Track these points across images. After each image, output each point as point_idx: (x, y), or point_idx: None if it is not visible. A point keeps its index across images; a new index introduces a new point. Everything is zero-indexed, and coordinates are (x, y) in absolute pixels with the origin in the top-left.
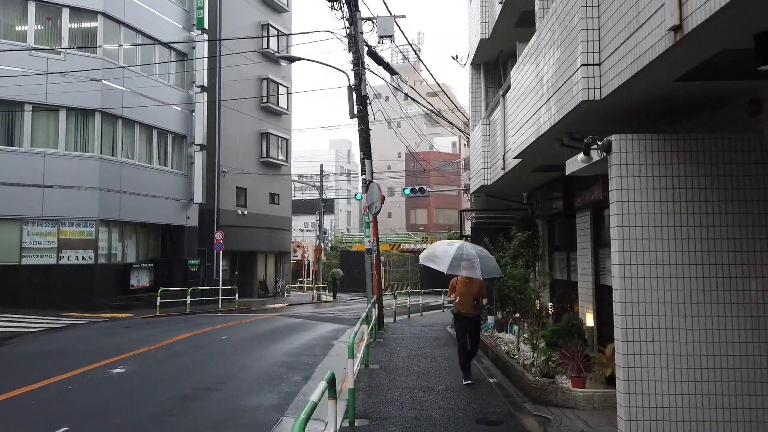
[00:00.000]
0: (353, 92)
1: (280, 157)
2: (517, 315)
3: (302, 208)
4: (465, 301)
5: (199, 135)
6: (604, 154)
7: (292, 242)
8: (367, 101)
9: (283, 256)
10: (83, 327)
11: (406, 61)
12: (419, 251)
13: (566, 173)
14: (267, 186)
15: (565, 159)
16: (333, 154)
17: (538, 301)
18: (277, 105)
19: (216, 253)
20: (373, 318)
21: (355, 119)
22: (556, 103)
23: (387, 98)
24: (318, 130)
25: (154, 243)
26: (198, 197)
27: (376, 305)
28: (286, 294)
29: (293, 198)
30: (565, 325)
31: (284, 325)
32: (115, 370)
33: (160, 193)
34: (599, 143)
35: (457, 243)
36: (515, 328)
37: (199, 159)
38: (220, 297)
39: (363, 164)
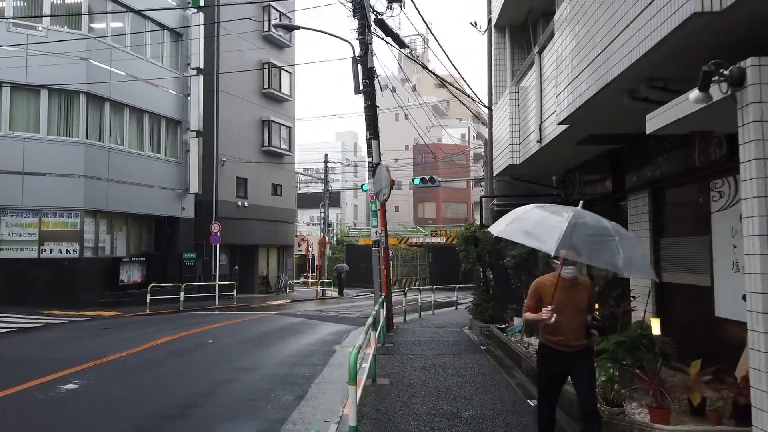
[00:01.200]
0: (358, 64)
1: (283, 146)
2: None
3: (308, 201)
4: (568, 323)
5: (195, 120)
6: (729, 91)
7: (297, 236)
8: (375, 75)
9: (287, 250)
10: (58, 328)
11: (413, 52)
12: (427, 245)
13: (647, 132)
14: (269, 176)
15: (624, 125)
16: (339, 145)
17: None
18: (279, 91)
19: (213, 246)
20: (382, 319)
21: (362, 97)
22: (638, 32)
23: (395, 89)
24: (324, 122)
25: (147, 236)
26: (194, 187)
27: (384, 305)
28: (288, 290)
29: (299, 191)
30: (634, 335)
31: (282, 325)
32: (66, 387)
33: (152, 182)
34: (725, 72)
35: (566, 208)
36: None
37: (195, 146)
38: (217, 293)
39: (369, 145)
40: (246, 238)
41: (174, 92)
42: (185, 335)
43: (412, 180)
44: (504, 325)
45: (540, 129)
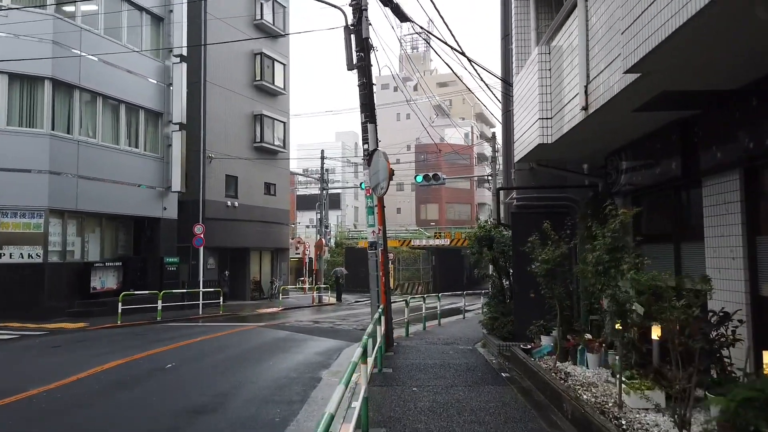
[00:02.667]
0: (351, 35)
1: (277, 143)
2: (590, 337)
3: (307, 203)
4: None
5: (178, 112)
6: None
7: (293, 239)
8: (371, 48)
9: (281, 253)
10: None
11: (415, 50)
12: (431, 248)
13: None
14: (261, 175)
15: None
16: (339, 145)
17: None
18: (273, 83)
19: (198, 249)
20: (379, 338)
21: (356, 74)
22: None
23: (395, 88)
24: (323, 122)
25: (125, 238)
26: (177, 185)
27: (382, 318)
28: (281, 296)
29: (297, 193)
30: None
31: (264, 342)
32: None
33: (130, 179)
34: None
35: None
36: (595, 357)
37: (177, 140)
38: (201, 301)
39: (365, 130)
40: (236, 241)
41: (154, 81)
42: (143, 357)
43: (415, 177)
44: (529, 346)
45: (586, 91)
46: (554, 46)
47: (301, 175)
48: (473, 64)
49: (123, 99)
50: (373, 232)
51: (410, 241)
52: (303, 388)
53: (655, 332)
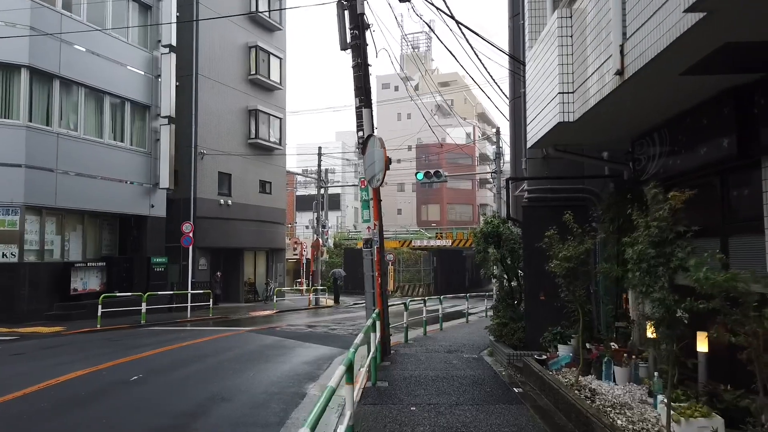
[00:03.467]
0: (345, 11)
1: (272, 139)
2: (616, 346)
3: (307, 204)
4: None
5: (167, 105)
6: None
7: (291, 239)
8: (367, 27)
9: (277, 254)
10: None
11: (416, 51)
12: (432, 248)
13: None
14: (256, 172)
15: None
16: (340, 145)
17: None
18: (268, 78)
19: (187, 249)
20: (374, 345)
21: (350, 54)
22: None
23: (396, 88)
24: (323, 121)
25: (110, 237)
26: (165, 181)
27: (377, 323)
28: (276, 298)
29: (297, 193)
30: None
31: (248, 349)
32: None
33: (114, 174)
34: None
35: None
36: (624, 371)
37: (166, 134)
38: (189, 304)
39: (359, 116)
40: (230, 241)
41: (141, 72)
42: (109, 366)
43: (416, 174)
44: (544, 356)
45: (621, 51)
46: (576, 8)
47: (300, 175)
48: (481, 38)
49: (107, 90)
50: (369, 227)
51: (411, 241)
52: (283, 406)
53: (702, 344)
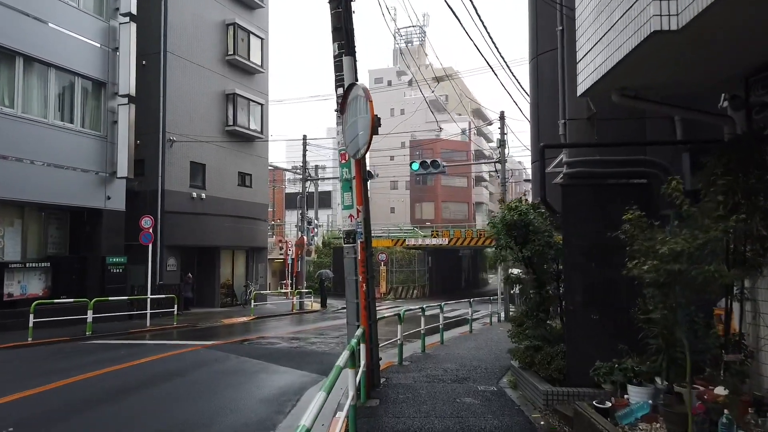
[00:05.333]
0: None
1: (253, 127)
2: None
3: (296, 202)
4: None
5: (125, 82)
6: None
7: (275, 237)
8: None
9: (258, 253)
10: None
11: (410, 45)
12: (427, 247)
13: None
14: (235, 163)
15: None
16: (331, 143)
17: None
18: (248, 59)
19: (153, 248)
20: (359, 373)
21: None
22: None
23: (390, 82)
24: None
25: (58, 234)
26: (124, 169)
27: (363, 346)
28: (256, 303)
29: (286, 191)
30: None
31: (193, 379)
32: None
33: (62, 161)
34: None
35: None
36: None
37: (124, 116)
38: (149, 311)
39: (338, 67)
40: (204, 239)
41: (96, 44)
42: None
43: (410, 164)
44: (608, 403)
45: None
46: None
47: (288, 171)
48: None
49: (53, 62)
50: (351, 216)
51: (404, 240)
52: None
53: None
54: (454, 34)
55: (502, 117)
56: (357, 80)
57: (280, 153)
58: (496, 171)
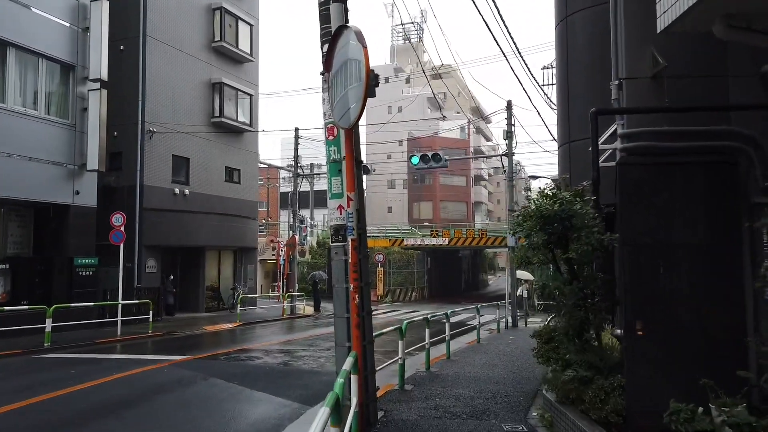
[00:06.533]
0: None
1: (241, 119)
2: None
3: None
4: None
5: (97, 65)
6: None
7: (267, 237)
8: None
9: (246, 253)
10: None
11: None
12: (426, 248)
13: None
14: (222, 157)
15: None
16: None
17: None
18: (236, 47)
19: (128, 248)
20: (350, 416)
21: None
22: None
23: (387, 79)
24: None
25: (20, 232)
26: (94, 161)
27: (354, 378)
28: (244, 307)
29: (281, 190)
30: None
31: (143, 412)
32: None
33: (23, 151)
34: None
35: None
36: None
37: (95, 102)
38: (119, 318)
39: (325, 18)
40: (187, 238)
41: (64, 23)
42: None
43: (410, 158)
44: None
45: None
46: None
47: (284, 169)
48: None
49: (12, 41)
50: (340, 207)
51: (402, 240)
52: None
53: None
54: (453, 29)
55: (509, 106)
56: (347, 19)
57: (274, 150)
58: (502, 167)
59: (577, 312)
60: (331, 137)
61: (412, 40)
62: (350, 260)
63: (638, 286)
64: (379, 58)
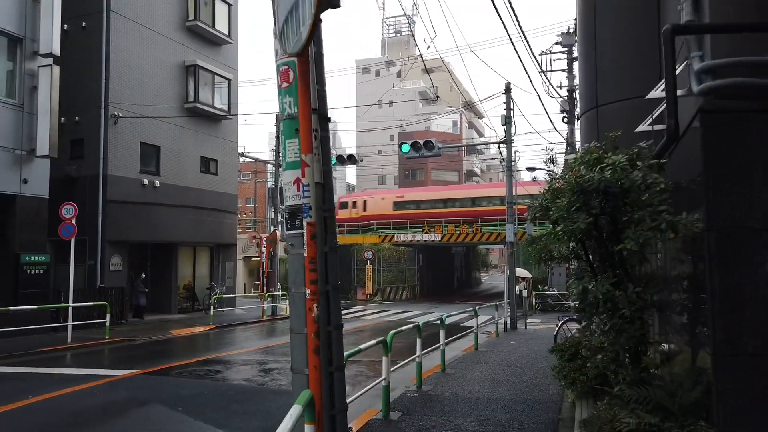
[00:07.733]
0: None
1: (218, 105)
2: None
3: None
4: None
5: (48, 39)
6: None
7: (245, 232)
8: None
9: (225, 250)
10: None
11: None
12: (417, 244)
13: None
14: (197, 146)
15: None
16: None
17: None
18: (213, 27)
19: (79, 243)
20: None
21: None
22: None
23: (378, 73)
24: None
25: None
26: (45, 146)
27: (310, 425)
28: (213, 309)
29: (269, 185)
30: None
31: None
32: None
33: None
34: None
35: None
36: None
37: (46, 80)
38: (70, 323)
39: None
40: (158, 233)
41: None
42: None
43: (400, 146)
44: None
45: None
46: None
47: (271, 163)
48: None
49: None
50: (297, 180)
51: (393, 236)
52: None
53: None
54: (447, 22)
55: (507, 89)
56: None
57: (262, 143)
58: (500, 155)
59: (632, 328)
60: (285, 84)
61: (404, 33)
62: (305, 255)
63: (736, 291)
64: (369, 50)
